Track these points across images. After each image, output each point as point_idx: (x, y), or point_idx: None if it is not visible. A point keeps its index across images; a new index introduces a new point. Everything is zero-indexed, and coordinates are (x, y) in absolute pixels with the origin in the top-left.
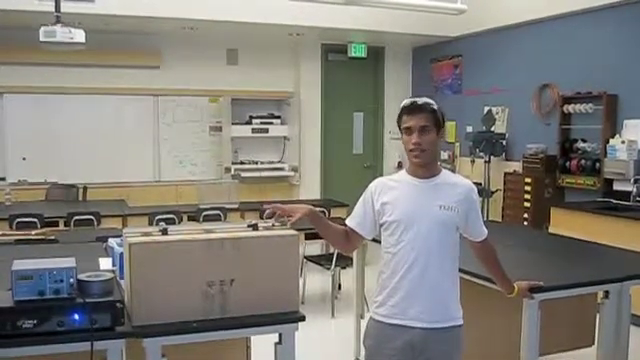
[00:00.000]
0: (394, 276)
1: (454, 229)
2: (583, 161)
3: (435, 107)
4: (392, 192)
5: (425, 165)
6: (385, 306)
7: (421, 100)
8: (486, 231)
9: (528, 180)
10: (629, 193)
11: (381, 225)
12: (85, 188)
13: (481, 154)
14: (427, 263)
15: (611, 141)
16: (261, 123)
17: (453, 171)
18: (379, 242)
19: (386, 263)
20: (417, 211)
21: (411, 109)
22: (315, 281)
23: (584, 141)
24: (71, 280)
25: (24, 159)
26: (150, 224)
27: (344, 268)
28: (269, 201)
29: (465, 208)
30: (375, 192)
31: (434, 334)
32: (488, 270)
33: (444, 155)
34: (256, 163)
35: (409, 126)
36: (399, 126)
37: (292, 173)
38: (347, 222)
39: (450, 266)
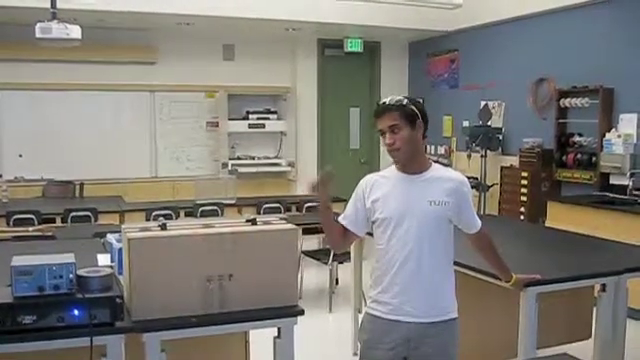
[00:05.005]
0: (388, 272)
1: (446, 223)
2: (579, 155)
3: (404, 102)
4: (382, 189)
5: (406, 162)
6: (380, 301)
7: (388, 100)
8: (479, 222)
9: (525, 174)
10: (625, 187)
11: (373, 222)
12: (82, 184)
13: (478, 148)
14: (420, 258)
15: (607, 135)
16: (258, 118)
17: (450, 165)
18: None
19: (379, 259)
20: (407, 207)
21: (378, 112)
22: (312, 276)
23: (580, 135)
24: (71, 276)
25: (20, 156)
26: (147, 220)
27: (341, 263)
28: (266, 196)
29: (456, 201)
30: (365, 189)
31: (429, 328)
32: (485, 259)
33: (440, 149)
34: (253, 158)
35: (380, 129)
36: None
37: (289, 168)
38: (340, 220)
39: (444, 260)
